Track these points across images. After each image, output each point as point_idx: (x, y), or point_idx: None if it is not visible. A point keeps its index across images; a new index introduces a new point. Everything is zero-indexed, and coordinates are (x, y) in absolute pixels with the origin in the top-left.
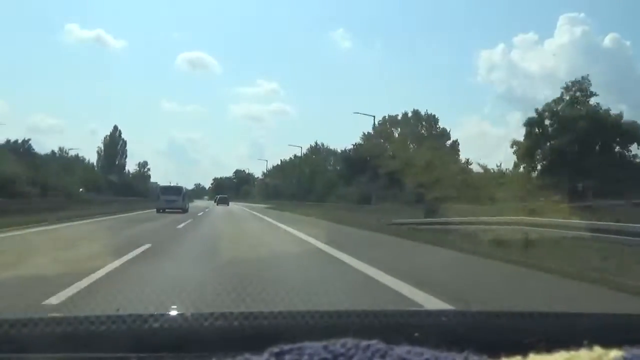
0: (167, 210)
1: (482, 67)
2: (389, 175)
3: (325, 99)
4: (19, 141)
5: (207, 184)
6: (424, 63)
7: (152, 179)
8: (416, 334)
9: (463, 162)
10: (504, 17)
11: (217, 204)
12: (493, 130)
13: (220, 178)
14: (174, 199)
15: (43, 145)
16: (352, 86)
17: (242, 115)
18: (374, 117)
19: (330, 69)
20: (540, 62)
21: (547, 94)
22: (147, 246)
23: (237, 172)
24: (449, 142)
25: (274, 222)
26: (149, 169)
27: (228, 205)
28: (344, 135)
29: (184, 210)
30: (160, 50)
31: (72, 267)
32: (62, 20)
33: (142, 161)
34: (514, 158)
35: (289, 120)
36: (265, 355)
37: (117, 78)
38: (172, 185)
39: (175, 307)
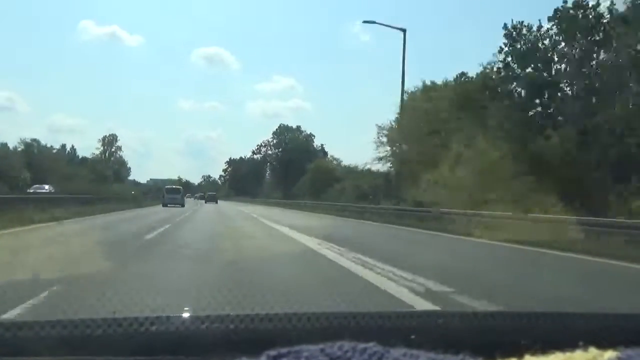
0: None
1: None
2: None
3: (344, 94)
4: None
5: (218, 174)
6: (444, 55)
7: (149, 173)
8: (413, 336)
9: None
10: (524, 6)
11: (205, 202)
12: None
13: (240, 159)
14: (175, 197)
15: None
16: (372, 80)
17: (259, 112)
18: (405, 30)
19: (348, 63)
20: None
21: None
22: None
23: (281, 131)
24: None
25: None
26: (119, 148)
27: (217, 203)
28: (363, 131)
29: (182, 205)
30: (176, 46)
31: None
32: (76, 17)
33: (108, 135)
34: None
35: (307, 117)
36: (263, 358)
37: (133, 75)
38: (173, 187)
39: (187, 308)
